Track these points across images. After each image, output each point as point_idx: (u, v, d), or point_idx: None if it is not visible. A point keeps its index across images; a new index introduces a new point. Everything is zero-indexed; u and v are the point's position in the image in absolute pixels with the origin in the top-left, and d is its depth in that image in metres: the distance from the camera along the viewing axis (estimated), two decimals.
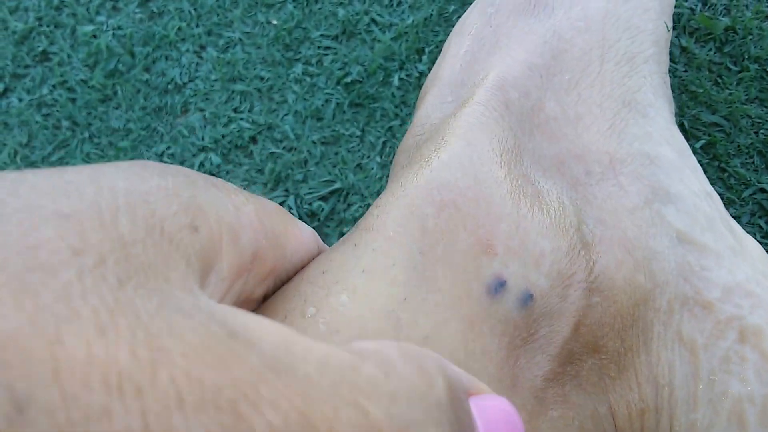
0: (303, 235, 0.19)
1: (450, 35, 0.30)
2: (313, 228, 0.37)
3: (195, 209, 0.12)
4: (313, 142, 0.39)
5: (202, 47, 0.43)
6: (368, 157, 0.38)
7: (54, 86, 0.44)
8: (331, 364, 0.10)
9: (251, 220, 0.15)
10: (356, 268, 0.19)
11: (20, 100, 0.43)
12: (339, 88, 0.40)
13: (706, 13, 0.39)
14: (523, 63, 0.25)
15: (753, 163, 0.34)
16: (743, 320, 0.23)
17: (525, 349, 0.20)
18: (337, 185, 0.37)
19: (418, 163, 0.22)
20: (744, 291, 0.23)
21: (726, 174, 0.34)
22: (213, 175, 0.39)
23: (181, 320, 0.09)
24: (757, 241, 0.32)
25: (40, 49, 0.45)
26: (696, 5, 0.39)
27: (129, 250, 0.10)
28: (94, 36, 0.45)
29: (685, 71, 0.37)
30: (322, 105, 0.40)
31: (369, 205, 0.37)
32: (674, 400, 0.23)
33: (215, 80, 0.42)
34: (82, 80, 0.43)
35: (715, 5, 0.39)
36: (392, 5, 0.42)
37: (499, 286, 0.19)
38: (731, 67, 0.37)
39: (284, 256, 0.18)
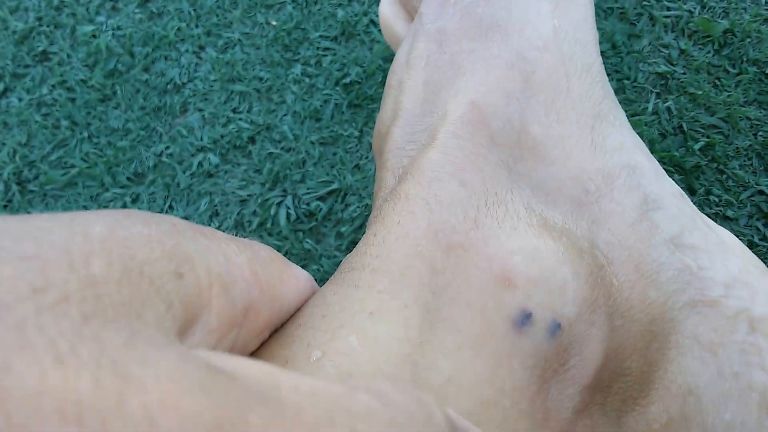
0: (299, 282, 0.18)
1: (393, 69, 0.29)
2: (311, 228, 0.37)
3: (181, 256, 0.11)
4: (312, 143, 0.39)
5: (202, 48, 0.43)
6: (366, 157, 0.38)
7: (53, 86, 0.44)
8: (322, 395, 0.09)
9: (243, 272, 0.14)
10: (362, 311, 0.18)
11: (20, 99, 0.43)
12: (338, 88, 0.40)
13: (705, 16, 0.39)
14: (497, 90, 0.25)
15: (751, 165, 0.34)
16: (749, 311, 0.23)
17: (557, 380, 0.20)
18: (335, 186, 0.37)
19: (412, 200, 0.21)
20: (741, 283, 0.23)
21: (724, 176, 0.34)
22: (211, 174, 0.39)
23: (153, 352, 0.08)
24: (755, 243, 0.32)
25: (40, 48, 0.45)
26: (695, 8, 0.39)
27: (100, 289, 0.09)
28: (94, 36, 0.45)
29: (684, 73, 0.37)
30: (321, 105, 0.40)
31: (367, 206, 0.37)
32: (704, 406, 0.22)
33: (214, 80, 0.42)
34: (81, 80, 0.43)
35: (714, 8, 0.39)
36: None
37: (525, 319, 0.19)
38: (730, 69, 0.37)
39: (280, 307, 0.17)
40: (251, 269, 0.15)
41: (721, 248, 0.25)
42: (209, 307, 0.12)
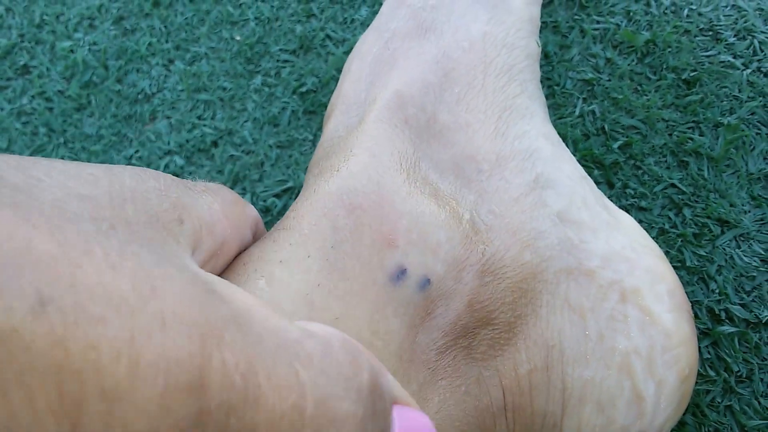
0: (252, 219, 0.23)
1: (350, 57, 0.33)
2: (266, 222, 0.40)
3: (181, 207, 0.16)
4: (270, 146, 0.42)
5: (171, 61, 0.46)
6: None
7: (33, 96, 0.47)
8: (280, 332, 0.12)
9: (220, 216, 0.19)
10: (274, 259, 0.22)
11: (1, 109, 0.47)
12: (295, 97, 0.43)
13: (630, 28, 0.42)
14: (419, 82, 0.29)
15: (666, 161, 0.37)
16: (622, 282, 0.26)
17: (423, 326, 0.23)
18: (290, 184, 0.40)
19: (329, 172, 0.25)
20: (621, 257, 0.26)
21: (640, 171, 0.37)
22: (177, 175, 0.42)
23: (173, 272, 0.12)
24: (666, 231, 0.35)
25: (22, 63, 0.48)
26: (621, 21, 0.43)
27: (133, 227, 0.13)
28: (72, 51, 0.48)
29: (609, 80, 0.40)
30: (279, 112, 0.43)
31: None
32: (566, 359, 0.25)
33: (181, 90, 0.45)
34: (59, 91, 0.47)
35: (639, 21, 0.43)
36: (346, 22, 0.46)
37: (400, 274, 0.23)
38: (651, 76, 0.40)
39: (243, 239, 0.21)
40: (224, 213, 0.20)
41: (609, 227, 0.28)
42: (201, 243, 0.17)
